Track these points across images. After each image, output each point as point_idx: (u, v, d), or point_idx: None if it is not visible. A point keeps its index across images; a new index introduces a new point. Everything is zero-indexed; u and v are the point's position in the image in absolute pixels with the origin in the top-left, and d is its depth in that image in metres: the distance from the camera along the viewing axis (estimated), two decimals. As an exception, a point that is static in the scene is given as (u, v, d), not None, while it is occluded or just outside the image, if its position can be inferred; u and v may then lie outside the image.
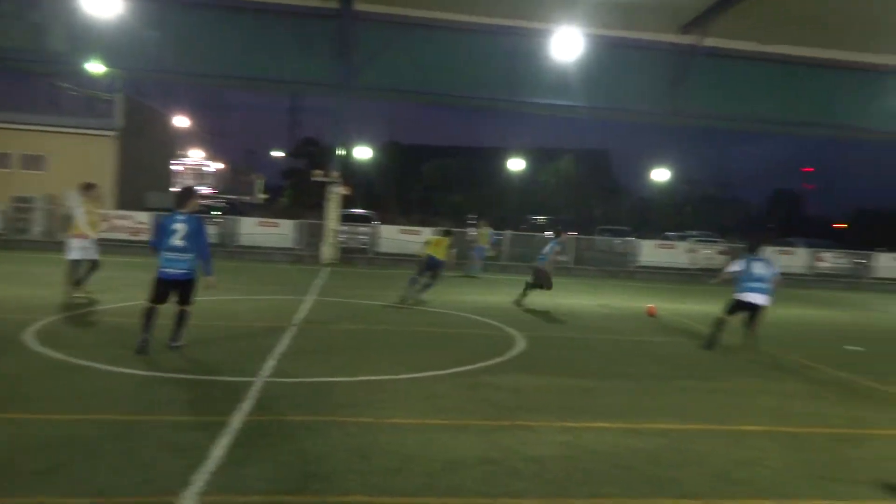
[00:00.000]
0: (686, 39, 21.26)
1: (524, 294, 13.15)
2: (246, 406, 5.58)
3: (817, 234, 40.14)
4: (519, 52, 21.40)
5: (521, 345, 9.15)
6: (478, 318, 11.50)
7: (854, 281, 24.02)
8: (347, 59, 20.96)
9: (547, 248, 13.22)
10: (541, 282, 12.99)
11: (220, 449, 4.56)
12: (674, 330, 11.67)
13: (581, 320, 12.15)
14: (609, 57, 21.51)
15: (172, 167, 41.69)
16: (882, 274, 24.39)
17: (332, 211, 21.71)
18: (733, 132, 33.38)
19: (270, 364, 7.13)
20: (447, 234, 13.30)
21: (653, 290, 18.78)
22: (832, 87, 22.79)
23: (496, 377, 7.17)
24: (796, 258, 24.82)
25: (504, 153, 51.07)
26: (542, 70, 21.07)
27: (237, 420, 5.19)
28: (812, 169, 78.69)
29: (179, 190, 7.95)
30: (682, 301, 14.74)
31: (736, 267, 9.81)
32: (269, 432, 4.99)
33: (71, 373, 6.41)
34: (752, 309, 9.50)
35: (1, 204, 22.35)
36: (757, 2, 18.03)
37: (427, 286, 12.86)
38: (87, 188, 10.91)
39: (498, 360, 8.10)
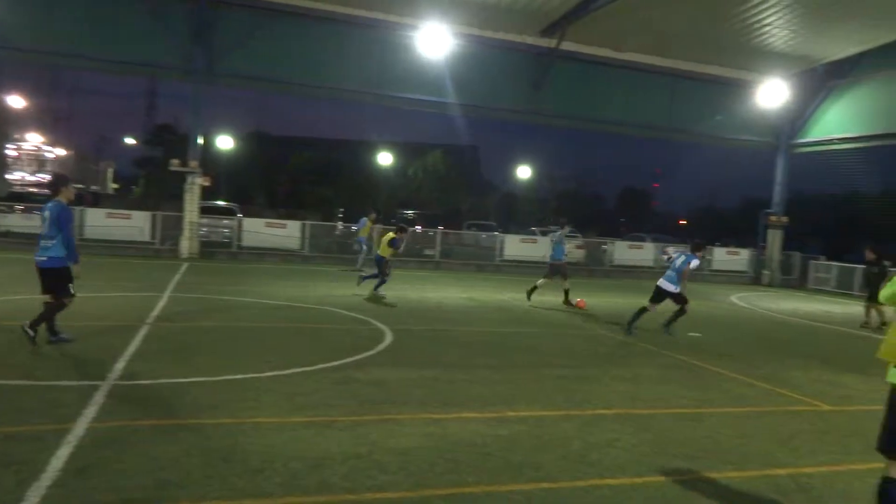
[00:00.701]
0: (545, 42, 22.21)
1: (566, 294, 14.32)
2: (90, 412, 5.15)
3: (664, 230, 43.63)
4: (387, 46, 21.39)
5: (388, 339, 9.16)
6: (346, 313, 11.38)
7: (695, 273, 26.22)
8: (207, 44, 19.95)
9: (556, 243, 14.35)
10: (563, 274, 14.32)
11: (59, 460, 4.18)
12: (535, 321, 12.16)
13: (448, 313, 12.36)
14: (475, 56, 22.05)
15: (6, 152, 37.68)
16: (717, 266, 26.86)
17: (192, 203, 20.60)
18: (592, 132, 35.18)
19: (120, 366, 6.65)
20: (401, 230, 13.94)
21: (517, 283, 19.42)
22: (674, 94, 24.83)
23: (363, 372, 7.13)
24: (645, 252, 26.74)
25: (374, 146, 50.81)
26: (410, 65, 21.19)
27: (80, 428, 4.79)
28: (659, 171, 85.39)
29: (51, 178, 7.77)
30: (543, 293, 15.33)
31: (672, 254, 11.61)
32: (116, 439, 4.64)
33: None
34: (658, 291, 11.07)
35: None
36: (610, 11, 19.17)
37: (380, 283, 13.52)
38: None
39: (366, 354, 8.06)
